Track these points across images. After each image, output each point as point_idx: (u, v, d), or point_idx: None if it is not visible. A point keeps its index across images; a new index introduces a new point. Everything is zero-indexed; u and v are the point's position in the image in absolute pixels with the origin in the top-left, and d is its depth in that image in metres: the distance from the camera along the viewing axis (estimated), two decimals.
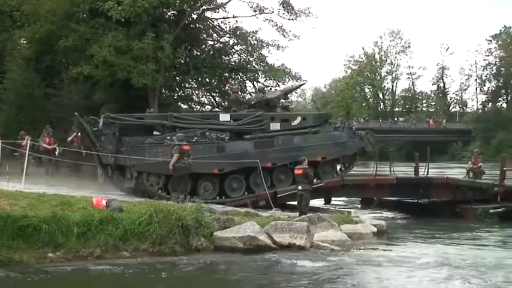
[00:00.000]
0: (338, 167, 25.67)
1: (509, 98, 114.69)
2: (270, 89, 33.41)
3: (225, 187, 22.80)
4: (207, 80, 35.29)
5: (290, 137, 24.17)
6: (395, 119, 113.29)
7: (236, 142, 23.28)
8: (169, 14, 32.80)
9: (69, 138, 26.97)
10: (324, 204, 25.30)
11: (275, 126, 24.18)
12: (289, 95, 30.38)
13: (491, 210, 24.87)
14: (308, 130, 24.80)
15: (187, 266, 13.89)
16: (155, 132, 22.26)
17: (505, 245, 19.45)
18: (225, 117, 23.86)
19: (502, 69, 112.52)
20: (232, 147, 23.01)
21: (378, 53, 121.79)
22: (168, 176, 21.27)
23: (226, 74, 35.09)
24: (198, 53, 35.13)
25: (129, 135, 22.11)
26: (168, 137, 21.91)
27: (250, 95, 33.88)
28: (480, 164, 29.20)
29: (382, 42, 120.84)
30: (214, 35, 35.62)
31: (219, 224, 16.01)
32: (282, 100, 26.45)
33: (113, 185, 23.26)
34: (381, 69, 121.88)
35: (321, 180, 24.37)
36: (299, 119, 25.02)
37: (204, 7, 33.70)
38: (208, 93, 36.47)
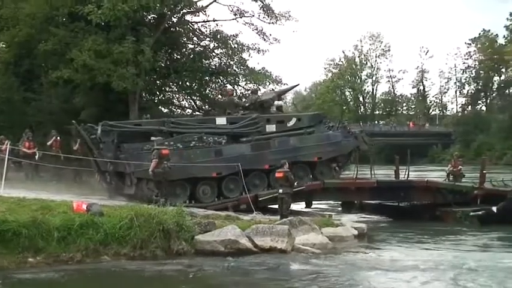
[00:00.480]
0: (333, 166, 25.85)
1: (488, 101, 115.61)
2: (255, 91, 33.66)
3: (223, 188, 23.03)
4: (188, 83, 35.24)
5: (286, 139, 24.49)
6: (376, 122, 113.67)
7: (233, 145, 23.60)
8: (149, 17, 32.75)
9: (49, 143, 26.90)
10: (305, 207, 25.30)
11: (271, 128, 24.50)
12: (282, 96, 30.55)
13: (471, 213, 24.95)
14: (303, 131, 25.05)
15: (169, 270, 13.85)
16: (153, 138, 22.16)
17: (484, 247, 19.54)
18: (221, 120, 24.11)
19: (481, 72, 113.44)
20: (230, 151, 23.29)
21: (358, 57, 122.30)
22: (171, 182, 21.44)
23: (207, 78, 35.02)
24: (179, 57, 35.09)
25: (127, 142, 22.38)
26: (166, 143, 21.88)
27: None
28: (460, 167, 29.40)
29: (362, 46, 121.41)
30: (195, 38, 35.59)
31: (200, 227, 15.96)
32: (276, 101, 26.58)
33: (112, 191, 23.40)
34: (361, 72, 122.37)
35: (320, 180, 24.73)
36: (294, 120, 25.37)
37: (184, 10, 33.65)
38: (188, 97, 36.42)
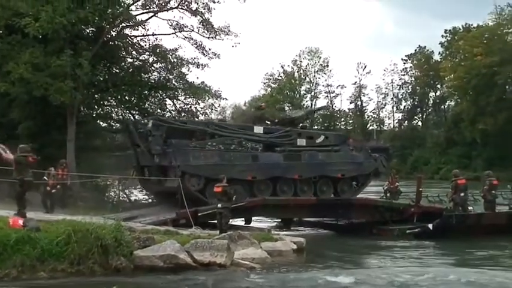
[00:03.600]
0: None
1: (424, 116, 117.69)
2: (191, 107, 33.78)
3: (254, 191, 25.06)
4: (127, 97, 34.98)
5: (315, 153, 26.63)
6: None
7: (268, 153, 25.76)
8: (87, 31, 32.40)
9: None
10: (245, 224, 25.38)
11: (301, 142, 26.74)
12: (309, 116, 32.14)
13: (407, 231, 25.41)
14: (330, 148, 27.17)
15: (106, 286, 13.69)
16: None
17: (421, 262, 19.86)
18: (258, 129, 26.33)
19: (417, 88, 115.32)
20: (265, 158, 25.50)
21: (297, 72, 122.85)
22: (207, 179, 23.64)
23: (146, 92, 34.80)
24: (117, 71, 34.80)
25: (173, 138, 24.19)
26: (209, 143, 24.61)
27: (171, 113, 33.84)
28: (397, 183, 29.93)
29: (301, 61, 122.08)
30: (134, 52, 35.33)
31: (139, 242, 15.83)
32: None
33: (145, 187, 26.07)
34: (300, 87, 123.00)
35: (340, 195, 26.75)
36: (322, 137, 27.72)
37: (123, 24, 33.43)
38: (127, 111, 36.10)
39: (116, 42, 34.30)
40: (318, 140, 27.31)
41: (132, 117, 36.29)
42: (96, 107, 35.48)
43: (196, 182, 24.04)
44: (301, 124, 28.99)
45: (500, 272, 16.99)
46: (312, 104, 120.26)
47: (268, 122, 28.28)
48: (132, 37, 34.92)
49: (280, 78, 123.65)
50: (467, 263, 19.59)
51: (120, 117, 36.98)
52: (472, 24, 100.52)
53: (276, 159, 25.68)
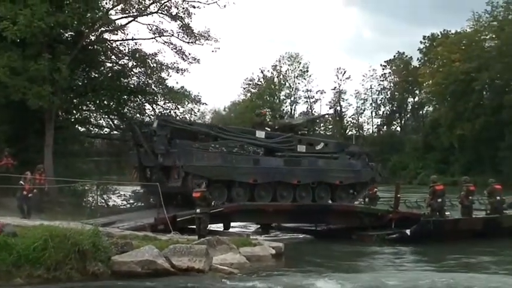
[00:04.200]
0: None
1: (402, 122, 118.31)
2: (170, 111, 33.73)
3: (255, 195, 25.43)
4: (105, 102, 34.75)
5: (315, 159, 27.03)
6: None
7: (269, 158, 26.12)
8: (66, 35, 32.19)
9: None
10: (223, 230, 25.37)
11: (301, 148, 27.19)
12: (309, 123, 32.77)
13: (386, 237, 25.56)
14: (330, 155, 27.60)
15: None
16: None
17: (399, 267, 19.96)
18: (260, 134, 26.82)
19: (396, 93, 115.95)
20: (266, 162, 25.86)
21: (277, 77, 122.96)
22: (210, 181, 23.86)
23: (125, 97, 34.63)
24: (96, 75, 34.58)
25: (178, 138, 24.51)
26: (212, 145, 24.95)
27: (150, 118, 33.69)
28: (375, 189, 30.05)
29: (281, 66, 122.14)
30: (113, 57, 35.14)
31: (116, 248, 15.78)
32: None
33: (147, 189, 26.00)
34: (280, 92, 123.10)
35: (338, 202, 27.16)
36: (322, 144, 28.22)
37: (102, 29, 33.20)
38: (106, 116, 35.92)
39: (95, 46, 34.11)
40: (318, 147, 27.78)
41: (111, 122, 36.19)
42: (74, 111, 35.21)
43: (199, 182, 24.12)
44: (300, 132, 29.35)
45: (478, 275, 17.18)
46: (291, 109, 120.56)
47: (269, 129, 28.57)
48: (112, 41, 34.75)
49: (260, 83, 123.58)
50: (444, 267, 19.74)
51: (99, 122, 36.84)
52: (450, 31, 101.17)
53: (277, 164, 26.08)
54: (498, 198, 26.87)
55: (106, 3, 32.57)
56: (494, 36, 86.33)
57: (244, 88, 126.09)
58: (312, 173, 26.57)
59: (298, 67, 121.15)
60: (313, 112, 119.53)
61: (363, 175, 27.80)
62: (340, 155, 27.99)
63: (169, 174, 24.67)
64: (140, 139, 24.78)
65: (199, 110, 38.98)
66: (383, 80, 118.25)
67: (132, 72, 35.10)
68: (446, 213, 26.04)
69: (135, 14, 33.40)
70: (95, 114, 36.56)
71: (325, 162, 27.19)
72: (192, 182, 23.74)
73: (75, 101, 34.35)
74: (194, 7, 33.60)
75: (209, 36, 34.38)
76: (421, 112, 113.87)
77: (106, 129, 36.85)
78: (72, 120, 35.16)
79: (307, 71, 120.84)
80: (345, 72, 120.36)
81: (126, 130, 27.10)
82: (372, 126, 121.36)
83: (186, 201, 24.06)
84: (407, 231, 25.18)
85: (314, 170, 26.68)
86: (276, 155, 26.33)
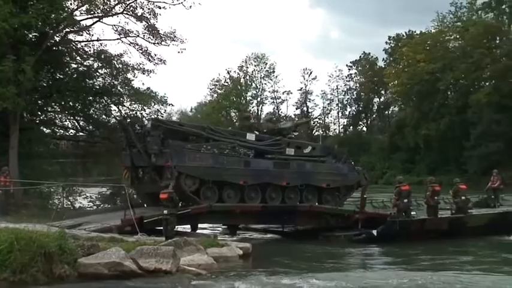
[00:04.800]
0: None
1: (368, 122, 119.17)
2: (136, 113, 33.60)
3: (245, 196, 25.89)
4: (71, 103, 34.54)
5: (303, 163, 27.38)
6: None
7: (259, 160, 26.45)
8: (30, 36, 31.92)
9: None
10: (191, 231, 25.34)
11: (290, 151, 27.60)
12: (297, 128, 32.65)
13: (353, 238, 25.73)
14: (317, 159, 28.00)
15: None
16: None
17: (365, 266, 20.11)
18: (250, 136, 27.25)
19: (362, 94, 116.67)
20: (256, 164, 26.25)
21: (243, 77, 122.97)
22: (202, 181, 24.83)
23: (91, 98, 34.43)
24: (61, 76, 34.31)
25: (170, 139, 24.83)
26: (204, 146, 25.35)
27: (116, 119, 33.54)
28: None
29: (247, 67, 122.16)
30: (78, 58, 34.88)
31: (83, 250, 15.66)
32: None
33: (137, 188, 26.94)
34: (246, 93, 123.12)
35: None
36: (310, 148, 28.80)
37: (67, 29, 33.01)
38: (72, 117, 35.66)
39: (60, 47, 33.87)
40: (306, 150, 28.22)
41: (76, 124, 35.92)
42: (39, 113, 34.90)
43: (191, 182, 24.79)
44: (287, 135, 29.85)
45: (444, 273, 17.35)
46: (257, 110, 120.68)
47: (257, 132, 28.76)
48: (77, 42, 34.50)
49: (226, 84, 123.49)
50: (411, 266, 19.90)
51: (65, 123, 36.54)
52: (415, 31, 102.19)
53: (267, 166, 26.49)
54: (463, 198, 27.21)
55: (71, 3, 32.47)
56: (458, 36, 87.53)
57: (210, 89, 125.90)
58: (300, 176, 27.03)
59: (265, 68, 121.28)
60: (279, 113, 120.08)
61: (349, 179, 28.14)
62: (328, 159, 28.42)
63: (162, 174, 24.82)
64: (133, 139, 24.98)
65: (165, 111, 38.92)
66: (349, 81, 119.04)
67: (97, 73, 34.93)
68: (412, 213, 26.27)
69: (100, 14, 33.27)
70: (60, 116, 36.29)
71: (313, 165, 27.63)
72: (184, 182, 24.40)
73: (40, 102, 34.06)
74: (160, 8, 33.60)
75: (175, 37, 34.40)
76: (386, 112, 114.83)
77: (72, 130, 36.59)
78: (37, 121, 34.84)
79: (274, 71, 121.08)
80: (311, 72, 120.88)
81: (118, 130, 27.24)
82: (339, 126, 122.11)
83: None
84: (374, 232, 25.38)
85: (302, 173, 27.16)
86: (266, 157, 26.77)
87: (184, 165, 24.51)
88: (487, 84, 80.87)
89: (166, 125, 26.09)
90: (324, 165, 27.88)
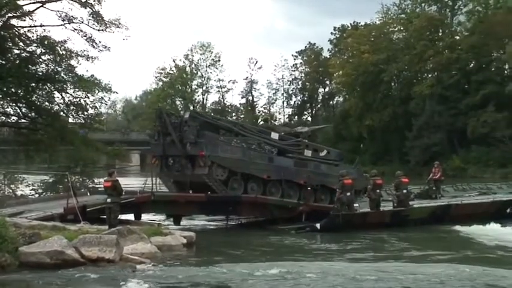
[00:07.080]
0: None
1: (313, 112, 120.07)
2: (80, 100, 33.28)
3: (267, 191, 27.46)
4: (13, 90, 33.91)
5: (319, 164, 29.14)
6: None
7: (281, 157, 28.23)
8: None
9: None
10: (134, 219, 25.22)
11: (308, 153, 29.22)
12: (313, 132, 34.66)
13: (297, 230, 25.91)
14: (331, 162, 29.64)
15: None
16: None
17: (307, 257, 20.27)
18: (274, 135, 29.18)
19: (307, 84, 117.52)
20: (279, 161, 28.02)
21: (189, 66, 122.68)
22: (230, 172, 26.62)
23: (33, 84, 33.82)
24: (3, 62, 33.68)
25: (204, 130, 26.55)
26: (234, 140, 27.32)
27: (59, 106, 33.15)
28: None
29: (193, 55, 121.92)
30: (21, 43, 34.26)
31: (24, 239, 15.51)
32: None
33: (165, 175, 28.04)
34: (192, 82, 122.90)
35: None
36: (325, 151, 30.38)
37: (9, 14, 32.43)
38: (14, 104, 35.04)
39: (2, 32, 33.20)
40: (322, 154, 29.77)
41: (18, 110, 35.31)
42: None
43: (221, 172, 26.43)
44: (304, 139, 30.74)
45: (383, 263, 17.68)
46: (203, 99, 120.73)
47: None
48: (19, 28, 33.84)
49: (172, 72, 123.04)
50: (352, 257, 20.17)
51: (7, 110, 35.91)
52: (360, 22, 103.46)
53: (288, 164, 28.12)
54: (405, 191, 27.70)
55: None
56: (402, 28, 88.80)
57: (156, 77, 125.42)
58: (317, 176, 28.55)
59: (210, 56, 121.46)
60: (224, 102, 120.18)
61: (358, 183, 28.39)
62: (340, 163, 29.89)
63: (194, 163, 26.21)
64: (169, 128, 26.29)
65: (109, 98, 38.56)
66: (294, 70, 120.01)
67: (40, 60, 34.26)
68: (355, 205, 26.64)
69: (44, 0, 32.72)
70: (1, 102, 35.60)
71: (328, 167, 29.15)
72: (215, 171, 26.19)
73: None
74: None
75: (120, 24, 33.98)
76: (331, 102, 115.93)
77: (14, 117, 35.94)
78: None
79: (219, 60, 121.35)
80: (256, 62, 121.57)
81: (155, 119, 28.61)
82: (284, 116, 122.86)
83: (210, 189, 26.25)
84: (317, 225, 25.65)
85: (318, 173, 28.68)
86: (287, 156, 28.37)
87: (216, 155, 26.18)
88: (430, 76, 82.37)
89: (203, 117, 28.36)
90: (337, 169, 28.69)
